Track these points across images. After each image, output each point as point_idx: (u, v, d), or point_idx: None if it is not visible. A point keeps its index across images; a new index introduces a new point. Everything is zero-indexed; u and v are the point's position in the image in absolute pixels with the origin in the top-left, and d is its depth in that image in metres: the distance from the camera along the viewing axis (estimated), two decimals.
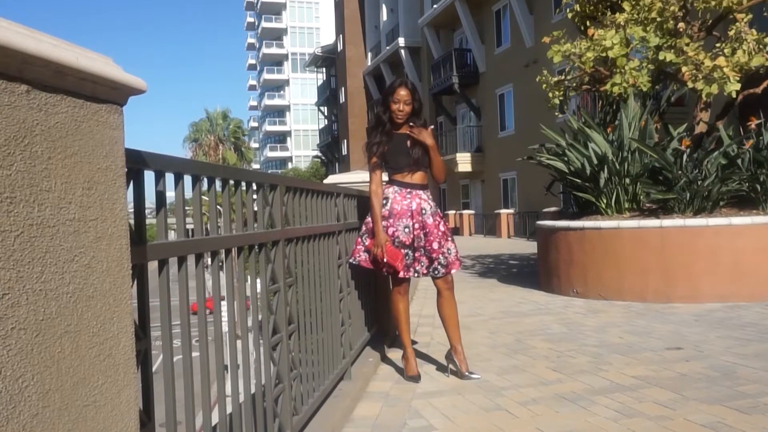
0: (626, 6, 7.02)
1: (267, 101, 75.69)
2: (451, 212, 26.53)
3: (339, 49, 39.85)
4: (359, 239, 3.48)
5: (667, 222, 5.73)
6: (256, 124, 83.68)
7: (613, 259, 5.97)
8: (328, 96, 44.18)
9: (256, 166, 65.72)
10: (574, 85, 7.82)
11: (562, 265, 6.52)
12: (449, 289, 3.42)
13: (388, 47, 32.92)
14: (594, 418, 2.67)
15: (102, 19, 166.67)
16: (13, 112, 0.91)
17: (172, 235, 1.54)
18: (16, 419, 0.88)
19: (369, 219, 3.41)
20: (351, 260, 3.45)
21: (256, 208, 2.05)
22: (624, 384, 3.16)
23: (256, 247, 2.02)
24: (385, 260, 3.27)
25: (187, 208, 1.55)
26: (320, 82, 47.94)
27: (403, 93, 3.31)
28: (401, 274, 3.34)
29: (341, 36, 39.19)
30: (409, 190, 3.36)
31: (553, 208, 15.57)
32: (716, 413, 2.65)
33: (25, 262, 0.92)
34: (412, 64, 30.44)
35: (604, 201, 6.52)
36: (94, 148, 1.09)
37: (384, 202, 3.35)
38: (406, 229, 3.31)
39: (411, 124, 3.36)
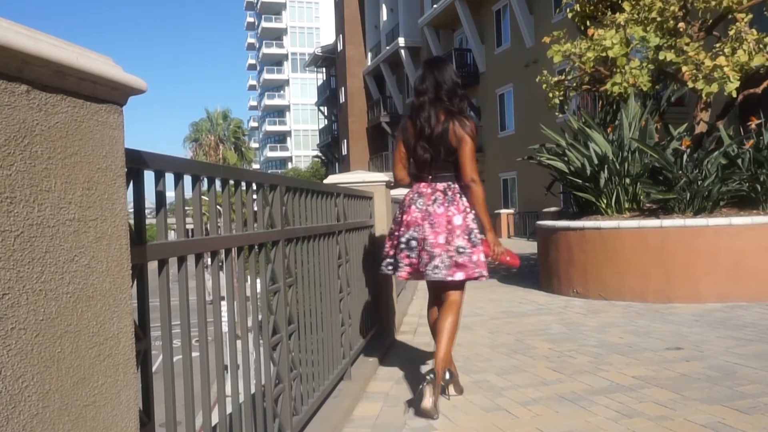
0: (626, 6, 7.03)
1: (267, 101, 75.66)
2: None
3: (339, 49, 39.84)
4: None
5: (667, 222, 5.73)
6: (256, 124, 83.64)
7: (614, 259, 5.97)
8: (328, 96, 44.17)
9: (256, 166, 65.70)
10: (574, 85, 7.83)
11: (562, 265, 6.52)
12: (449, 297, 3.01)
13: (388, 47, 32.92)
14: (594, 418, 2.67)
15: (102, 19, 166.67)
16: (13, 112, 0.91)
17: (172, 235, 1.54)
18: (16, 419, 0.88)
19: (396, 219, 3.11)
20: (389, 271, 3.12)
21: (256, 208, 2.05)
22: (624, 384, 3.16)
23: (256, 247, 2.02)
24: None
25: (187, 208, 1.55)
26: (320, 82, 47.93)
27: None
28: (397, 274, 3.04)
29: (341, 36, 39.17)
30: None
31: (553, 208, 15.58)
32: (716, 413, 2.65)
33: (25, 262, 0.92)
34: (412, 64, 30.43)
35: (604, 201, 6.51)
36: (94, 148, 1.09)
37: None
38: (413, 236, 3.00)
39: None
